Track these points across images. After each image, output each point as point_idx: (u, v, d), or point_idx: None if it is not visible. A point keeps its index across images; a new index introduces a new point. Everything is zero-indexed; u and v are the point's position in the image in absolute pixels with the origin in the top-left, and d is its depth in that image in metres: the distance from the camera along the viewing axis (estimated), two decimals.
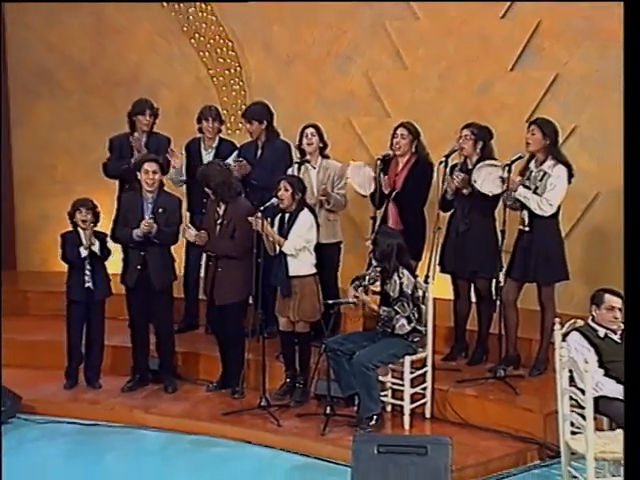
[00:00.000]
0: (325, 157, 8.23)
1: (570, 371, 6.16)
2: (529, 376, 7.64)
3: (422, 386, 7.40)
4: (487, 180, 7.58)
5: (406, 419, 7.28)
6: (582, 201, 8.50)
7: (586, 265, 8.30)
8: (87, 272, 8.02)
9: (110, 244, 8.17)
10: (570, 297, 7.95)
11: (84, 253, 7.96)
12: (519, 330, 7.79)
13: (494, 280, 7.74)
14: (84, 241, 7.96)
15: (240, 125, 9.58)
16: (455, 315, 8.11)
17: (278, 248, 7.55)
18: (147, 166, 7.82)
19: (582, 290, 7.78)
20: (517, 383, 7.50)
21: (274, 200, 7.51)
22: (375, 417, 7.15)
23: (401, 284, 7.12)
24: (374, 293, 7.23)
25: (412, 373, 7.29)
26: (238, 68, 10.00)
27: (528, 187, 7.45)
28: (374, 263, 7.30)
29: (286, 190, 7.52)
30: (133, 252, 7.96)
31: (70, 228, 8.10)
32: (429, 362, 7.42)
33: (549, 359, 7.46)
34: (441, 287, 7.89)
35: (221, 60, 10.05)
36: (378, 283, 7.20)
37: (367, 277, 7.27)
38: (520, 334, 7.81)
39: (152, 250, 7.88)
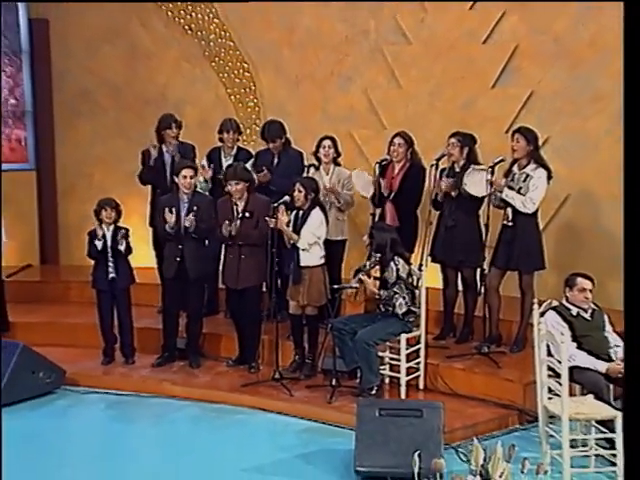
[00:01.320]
0: (337, 165, 8.29)
1: (547, 346, 6.23)
2: (510, 352, 7.68)
3: (416, 361, 7.45)
4: (475, 183, 7.66)
5: (402, 390, 7.33)
6: (555, 201, 8.53)
7: (558, 257, 8.32)
8: (110, 264, 8.04)
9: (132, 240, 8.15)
10: (545, 284, 7.96)
11: (99, 246, 7.95)
12: (501, 313, 7.82)
13: (479, 269, 7.83)
14: (107, 235, 7.97)
15: (254, 137, 9.67)
16: (444, 300, 8.14)
17: (291, 243, 7.62)
18: (185, 172, 7.89)
19: (554, 278, 7.78)
20: (499, 358, 7.54)
21: (286, 198, 7.59)
22: (375, 388, 7.23)
23: (397, 270, 7.20)
24: (374, 279, 7.31)
25: (407, 349, 7.33)
26: (253, 87, 10.03)
27: (512, 188, 7.51)
28: (373, 254, 7.37)
29: (300, 191, 7.59)
30: (171, 246, 7.98)
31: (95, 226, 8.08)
32: (422, 340, 7.46)
33: (527, 338, 7.53)
34: (432, 277, 7.90)
35: (238, 80, 10.08)
36: (377, 268, 7.27)
37: (367, 264, 7.34)
38: (502, 317, 7.84)
39: (188, 244, 7.92)
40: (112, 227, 8.00)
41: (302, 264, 7.61)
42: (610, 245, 8.30)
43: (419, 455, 4.94)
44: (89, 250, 8.06)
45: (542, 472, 4.86)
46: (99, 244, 7.94)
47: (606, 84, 8.52)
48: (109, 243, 7.98)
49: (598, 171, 8.56)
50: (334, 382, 7.37)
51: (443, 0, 9.03)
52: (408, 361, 7.36)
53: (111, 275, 8.05)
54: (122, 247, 7.98)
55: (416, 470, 4.80)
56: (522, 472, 4.76)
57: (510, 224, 7.57)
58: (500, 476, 4.38)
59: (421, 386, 7.49)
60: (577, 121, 8.66)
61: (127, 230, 8.08)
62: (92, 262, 8.14)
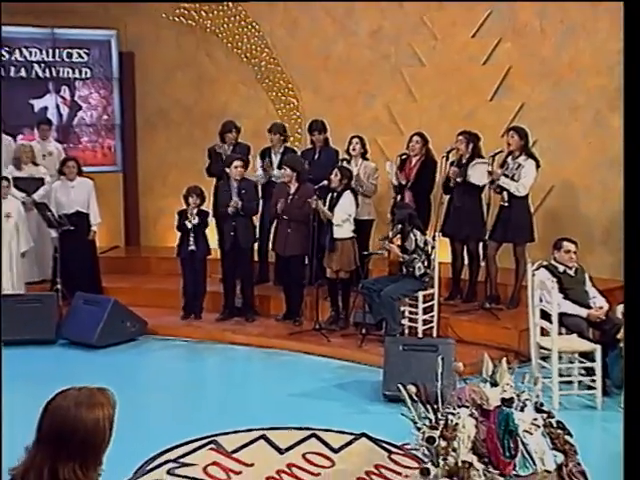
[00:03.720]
0: (365, 159, 8.29)
1: (540, 299, 6.21)
2: (507, 309, 7.67)
3: (430, 314, 7.43)
4: (477, 174, 7.65)
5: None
6: (541, 192, 8.46)
7: (544, 236, 8.23)
8: (191, 238, 8.08)
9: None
10: (534, 258, 7.91)
11: (189, 225, 8.03)
12: (498, 279, 7.81)
13: (481, 242, 7.79)
14: (189, 216, 8.05)
15: (297, 144, 9.69)
16: (453, 269, 8.10)
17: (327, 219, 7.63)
18: (235, 163, 7.98)
19: (542, 253, 7.65)
20: (498, 312, 7.54)
21: (325, 182, 7.62)
22: (397, 335, 7.18)
23: (416, 240, 7.18)
24: (397, 246, 7.30)
25: (424, 304, 7.33)
26: (295, 104, 10.04)
27: (507, 176, 7.49)
28: (395, 226, 7.36)
29: (336, 175, 7.61)
30: (227, 223, 8.03)
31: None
32: (435, 297, 7.44)
33: (521, 297, 7.49)
34: (442, 254, 7.89)
35: (283, 98, 10.09)
36: (399, 237, 7.26)
37: (390, 234, 7.33)
38: (499, 281, 7.83)
39: (239, 220, 7.96)
40: (196, 210, 8.04)
41: (336, 236, 7.61)
42: (586, 226, 8.33)
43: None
44: (178, 225, 8.13)
45: (538, 383, 4.83)
46: (188, 224, 7.99)
47: (582, 98, 8.57)
48: (193, 222, 8.01)
49: (576, 167, 8.55)
50: (364, 331, 7.37)
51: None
52: (424, 314, 7.36)
53: (191, 247, 8.06)
54: (195, 221, 8.02)
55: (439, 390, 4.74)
56: (522, 382, 4.71)
57: (506, 205, 7.57)
58: (506, 384, 4.32)
59: (434, 335, 7.45)
60: (559, 127, 8.62)
61: (207, 213, 8.15)
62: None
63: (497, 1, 8.78)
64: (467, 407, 4.12)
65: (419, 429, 4.02)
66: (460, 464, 3.79)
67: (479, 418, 4.10)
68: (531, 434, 4.14)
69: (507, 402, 4.12)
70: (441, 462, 3.84)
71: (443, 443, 3.89)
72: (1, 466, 3.54)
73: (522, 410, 4.23)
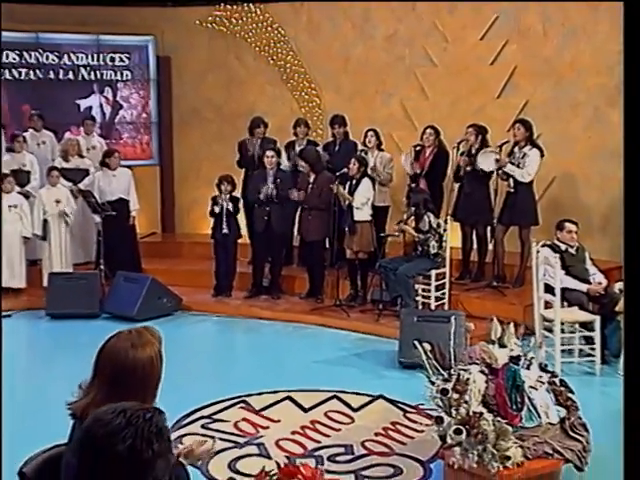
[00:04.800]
0: (381, 150, 8.27)
1: (543, 274, 6.17)
2: (512, 287, 7.60)
3: (442, 291, 7.37)
4: (486, 162, 7.61)
5: None
6: (544, 182, 8.39)
7: (547, 222, 8.18)
8: (224, 222, 8.08)
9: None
10: (536, 242, 7.90)
11: (217, 209, 8.03)
12: (505, 260, 7.76)
13: (489, 227, 7.76)
14: (221, 202, 8.06)
15: (319, 139, 9.66)
16: (463, 252, 8.05)
17: (347, 203, 7.61)
18: (268, 153, 8.01)
19: (544, 239, 7.69)
20: (505, 290, 7.49)
21: (345, 170, 7.61)
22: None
23: (429, 222, 7.16)
24: (412, 228, 7.28)
25: (436, 282, 7.29)
26: (318, 102, 10.02)
27: (513, 164, 7.45)
28: (410, 209, 7.34)
29: (354, 164, 7.60)
30: (261, 208, 8.01)
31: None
32: (447, 275, 7.37)
33: (525, 277, 7.43)
34: (453, 238, 7.82)
35: (307, 97, 10.06)
36: (413, 219, 7.24)
37: (406, 216, 7.31)
38: (506, 262, 7.77)
39: (274, 206, 7.95)
40: (228, 196, 8.04)
41: (355, 219, 7.59)
42: (585, 213, 8.23)
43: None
44: (211, 210, 8.12)
45: (543, 347, 4.81)
46: (217, 208, 8.01)
47: (582, 95, 8.50)
48: (225, 207, 8.01)
49: (576, 160, 8.48)
50: (380, 307, 7.36)
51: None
52: (436, 291, 7.30)
53: (224, 231, 8.06)
54: (230, 207, 8.04)
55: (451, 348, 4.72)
56: (528, 347, 4.69)
57: (512, 191, 7.52)
58: (513, 343, 4.30)
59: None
60: (561, 123, 8.55)
61: (238, 199, 8.15)
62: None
63: (504, 1, 8.70)
64: (477, 364, 4.11)
65: (433, 383, 4.02)
66: (471, 414, 3.78)
67: (488, 376, 4.09)
68: (536, 390, 4.13)
69: (514, 360, 4.11)
70: (453, 412, 3.82)
71: (455, 395, 3.88)
72: (1, 466, 3.59)
73: (528, 368, 4.22)
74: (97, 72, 10.27)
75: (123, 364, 2.58)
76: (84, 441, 1.66)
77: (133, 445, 1.61)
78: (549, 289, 6.06)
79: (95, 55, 10.21)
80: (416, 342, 4.23)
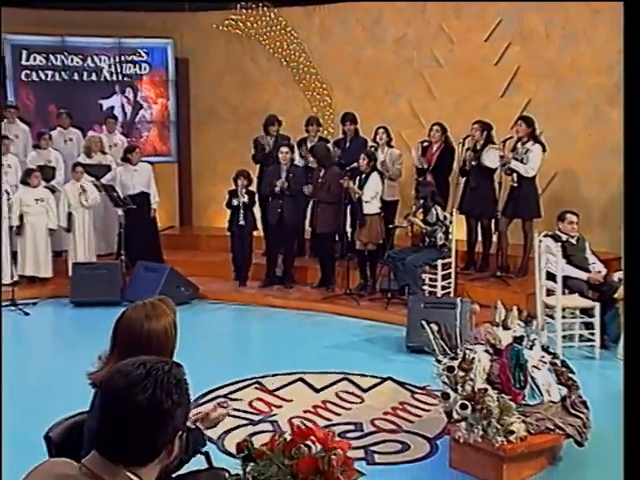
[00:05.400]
0: (390, 147, 8.24)
1: (546, 262, 6.13)
2: (515, 277, 7.57)
3: (448, 280, 7.35)
4: (490, 158, 7.59)
5: None
6: (546, 177, 8.36)
7: (549, 215, 8.15)
8: (241, 215, 8.07)
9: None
10: (538, 233, 7.86)
11: (237, 202, 8.02)
12: (508, 251, 7.73)
13: (493, 219, 7.72)
14: (239, 195, 8.06)
15: (329, 137, 9.64)
16: (468, 244, 8.03)
17: (357, 197, 7.60)
18: (282, 149, 7.99)
19: (545, 229, 7.64)
20: (508, 279, 7.46)
21: (354, 164, 7.60)
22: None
23: (437, 214, 7.13)
24: (420, 220, 7.26)
25: (442, 272, 7.27)
26: (329, 102, 10.00)
27: (517, 159, 7.42)
28: (418, 202, 7.31)
29: (363, 160, 7.58)
30: (274, 201, 7.98)
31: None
32: (453, 265, 7.36)
33: (528, 267, 7.40)
34: (458, 231, 7.81)
35: (318, 97, 10.04)
36: (421, 211, 7.22)
37: (414, 208, 7.29)
38: (509, 253, 7.75)
39: (287, 199, 7.93)
40: (244, 190, 8.04)
41: (365, 212, 7.58)
42: (585, 207, 8.14)
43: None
44: (228, 202, 8.11)
45: (545, 330, 4.78)
46: (235, 201, 8.00)
47: (582, 95, 8.45)
48: (242, 200, 8.01)
49: (577, 156, 8.43)
50: (389, 295, 7.34)
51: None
52: (442, 280, 7.29)
53: (241, 222, 8.05)
54: (246, 199, 8.03)
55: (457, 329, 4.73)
56: (530, 329, 4.67)
57: (516, 185, 7.50)
58: (516, 325, 4.29)
59: None
60: (562, 121, 8.49)
61: (254, 193, 8.16)
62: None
63: (510, 1, 8.66)
64: (482, 344, 4.09)
65: (440, 362, 4.01)
66: (476, 390, 3.76)
67: (493, 356, 4.07)
68: (539, 369, 4.12)
69: (518, 340, 4.10)
70: (459, 389, 3.81)
71: (461, 373, 3.87)
72: (1, 465, 3.59)
73: (531, 349, 4.21)
74: (119, 74, 10.30)
75: (139, 334, 2.60)
76: (105, 392, 1.66)
77: (153, 395, 1.61)
78: (551, 277, 6.04)
79: (117, 57, 10.25)
80: (424, 322, 4.20)
